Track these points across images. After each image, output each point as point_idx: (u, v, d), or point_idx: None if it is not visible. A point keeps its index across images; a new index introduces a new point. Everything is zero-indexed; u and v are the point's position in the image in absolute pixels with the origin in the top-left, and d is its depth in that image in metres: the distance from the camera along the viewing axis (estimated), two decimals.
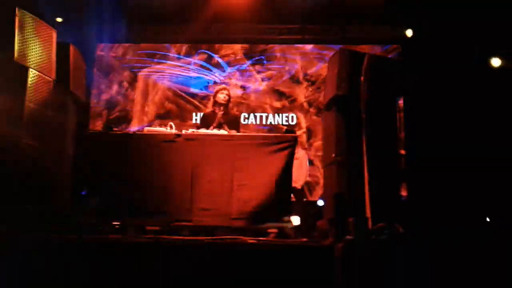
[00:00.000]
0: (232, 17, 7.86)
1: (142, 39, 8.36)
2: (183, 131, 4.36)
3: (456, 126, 6.73)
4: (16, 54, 3.79)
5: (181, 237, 3.54)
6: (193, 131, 4.34)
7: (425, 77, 6.83)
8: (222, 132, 4.39)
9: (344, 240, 2.97)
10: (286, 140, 4.20)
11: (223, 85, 5.49)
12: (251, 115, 8.07)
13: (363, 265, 2.73)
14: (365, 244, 2.96)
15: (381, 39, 7.99)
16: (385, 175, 4.13)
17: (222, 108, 5.05)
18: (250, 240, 3.07)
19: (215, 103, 5.13)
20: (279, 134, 4.25)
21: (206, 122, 5.01)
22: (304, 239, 4.02)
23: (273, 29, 8.24)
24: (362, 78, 4.27)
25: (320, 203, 6.21)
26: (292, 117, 8.00)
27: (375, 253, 2.83)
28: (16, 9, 3.87)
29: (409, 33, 7.38)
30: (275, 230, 4.77)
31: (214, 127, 4.75)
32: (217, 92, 5.17)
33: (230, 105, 5.29)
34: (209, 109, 5.39)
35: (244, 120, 8.04)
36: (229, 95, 5.17)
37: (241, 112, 7.96)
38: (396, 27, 7.50)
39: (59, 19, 7.09)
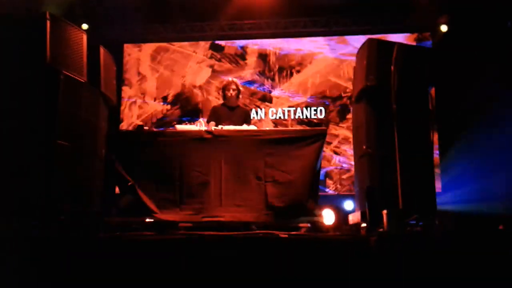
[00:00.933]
0: (256, 13, 7.86)
1: (168, 38, 8.44)
2: (213, 128, 4.39)
3: (489, 115, 6.54)
4: (48, 57, 3.87)
5: (214, 233, 3.56)
6: (222, 128, 4.36)
7: (456, 66, 6.67)
8: (252, 127, 4.39)
9: (378, 233, 2.93)
10: (315, 134, 4.17)
11: (229, 79, 5.32)
12: (279, 109, 8.05)
13: (398, 257, 2.68)
14: (400, 236, 2.91)
15: (410, 27, 7.83)
16: (418, 166, 4.06)
17: (232, 102, 5.00)
18: (283, 234, 3.06)
19: (225, 96, 5.09)
20: (308, 128, 4.25)
21: (215, 116, 4.98)
22: (337, 233, 3.99)
23: (297, 22, 8.19)
24: (392, 68, 4.19)
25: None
26: (321, 110, 7.93)
27: (410, 245, 2.78)
28: (47, 13, 3.95)
29: (443, 28, 7.23)
30: (306, 225, 4.75)
31: (224, 122, 4.71)
32: (226, 85, 5.11)
33: (240, 96, 5.18)
34: (219, 102, 5.29)
35: (272, 115, 8.02)
36: (238, 88, 5.09)
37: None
38: (427, 15, 7.33)
39: (85, 26, 7.24)
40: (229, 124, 4.53)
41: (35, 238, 3.29)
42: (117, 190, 4.38)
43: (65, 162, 3.94)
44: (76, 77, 4.11)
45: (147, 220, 4.18)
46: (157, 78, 8.39)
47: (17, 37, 3.91)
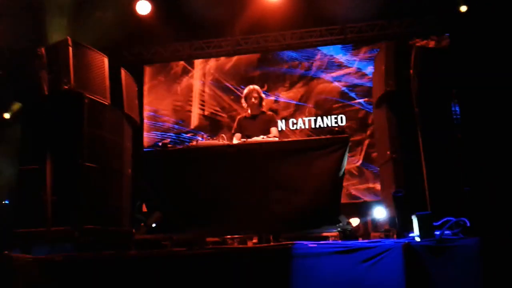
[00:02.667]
0: (270, 25, 7.93)
1: (186, 56, 8.57)
2: (235, 141, 4.41)
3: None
4: (72, 82, 3.98)
5: (243, 246, 3.57)
6: (244, 141, 4.38)
7: (476, 68, 6.58)
8: (274, 139, 4.40)
9: (407, 238, 2.89)
10: (338, 142, 4.15)
11: (251, 86, 5.16)
12: (299, 119, 8.05)
13: (430, 262, 2.65)
14: (430, 240, 2.87)
15: (428, 30, 7.77)
16: (445, 169, 4.01)
17: (256, 110, 5.01)
18: (311, 245, 3.05)
19: (247, 107, 5.08)
20: (330, 136, 4.20)
21: (240, 127, 5.00)
22: (366, 240, 3.95)
23: (313, 32, 8.22)
24: (411, 71, 4.17)
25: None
26: (342, 118, 7.92)
27: (442, 249, 2.74)
28: (69, 39, 4.07)
29: (463, 8, 7.12)
30: (334, 233, 4.72)
31: (251, 132, 4.72)
32: (247, 94, 5.08)
33: (263, 102, 5.14)
34: (243, 113, 5.27)
35: (293, 126, 8.03)
36: (260, 96, 5.07)
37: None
38: (443, 17, 7.29)
39: None
40: (254, 134, 4.54)
41: (68, 260, 3.35)
42: (144, 208, 4.44)
43: (93, 183, 4.02)
44: (100, 100, 4.21)
45: (176, 237, 4.21)
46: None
47: (43, 64, 4.01)
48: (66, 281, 3.19)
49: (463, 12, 7.16)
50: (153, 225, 4.04)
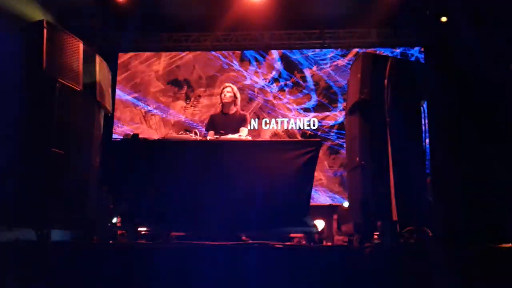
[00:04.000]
0: (251, 24, 7.95)
1: (162, 48, 8.48)
2: (208, 138, 4.40)
3: (481, 130, 6.63)
4: (44, 65, 3.88)
5: (208, 243, 3.56)
6: (217, 137, 4.37)
7: (448, 80, 6.77)
8: (247, 138, 4.41)
9: (372, 244, 2.95)
10: (310, 145, 4.19)
11: (228, 84, 5.18)
12: (272, 120, 8.09)
13: (393, 269, 2.71)
14: (394, 248, 2.94)
15: (403, 41, 7.95)
16: (411, 178, 4.10)
17: (229, 108, 5.01)
18: (277, 245, 3.08)
19: (221, 102, 5.07)
20: (303, 139, 4.27)
21: (213, 124, 4.98)
22: (329, 244, 4.01)
23: (292, 35, 8.28)
24: (385, 81, 4.25)
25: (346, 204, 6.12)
26: (314, 121, 7.99)
27: (404, 257, 2.81)
28: (44, 21, 3.97)
29: (444, 19, 7.29)
30: (299, 235, 4.77)
31: (223, 130, 4.70)
32: (222, 89, 5.08)
33: (237, 101, 5.10)
34: (217, 110, 5.27)
35: (266, 126, 8.06)
36: (234, 93, 5.05)
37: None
38: (419, 29, 7.46)
39: None
40: (226, 132, 4.54)
41: (29, 245, 3.28)
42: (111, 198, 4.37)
43: (60, 170, 3.93)
44: (72, 86, 4.12)
45: (140, 229, 4.17)
46: None
47: (15, 44, 3.91)
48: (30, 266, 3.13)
49: (443, 22, 7.33)
50: (119, 216, 3.99)
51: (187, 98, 8.37)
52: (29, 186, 3.74)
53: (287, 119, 8.04)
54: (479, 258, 2.78)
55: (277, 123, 8.06)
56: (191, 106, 8.32)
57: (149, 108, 8.36)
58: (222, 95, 5.03)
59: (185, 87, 8.40)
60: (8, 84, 3.96)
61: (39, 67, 3.86)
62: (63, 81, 4.01)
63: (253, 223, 4.11)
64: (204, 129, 5.30)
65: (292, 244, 3.79)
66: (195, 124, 8.15)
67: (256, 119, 8.10)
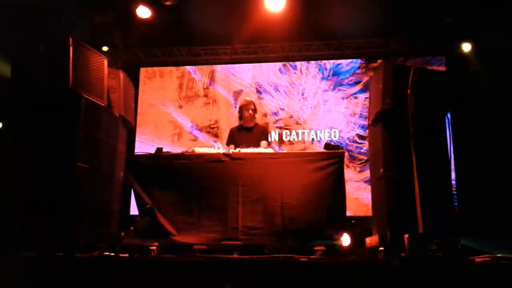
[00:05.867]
0: (270, 36, 7.97)
1: (184, 61, 8.57)
2: (231, 151, 4.41)
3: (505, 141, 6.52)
4: (70, 82, 3.96)
5: (232, 256, 3.56)
6: (239, 150, 4.38)
7: (471, 91, 6.68)
8: (269, 150, 4.41)
9: (399, 258, 2.91)
10: (333, 157, 4.17)
11: (247, 98, 5.26)
12: (293, 131, 8.08)
13: (422, 282, 2.66)
14: (423, 261, 2.89)
15: (425, 51, 7.87)
16: (437, 189, 4.04)
17: (250, 122, 5.01)
18: (302, 258, 3.05)
19: (241, 117, 5.09)
20: (325, 151, 4.22)
21: (233, 138, 4.99)
22: (353, 257, 3.96)
23: (310, 45, 8.28)
24: (408, 91, 4.21)
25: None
26: (335, 132, 7.95)
27: (433, 270, 2.76)
28: (70, 38, 4.05)
29: (466, 47, 7.26)
30: (322, 248, 4.72)
31: (243, 144, 4.70)
32: (242, 106, 5.09)
33: (256, 115, 5.17)
34: (236, 123, 5.29)
35: (286, 137, 8.05)
36: (255, 109, 5.06)
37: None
38: (441, 39, 7.40)
39: (105, 48, 7.37)
40: (247, 146, 4.55)
41: (55, 260, 3.31)
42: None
43: (85, 184, 3.99)
44: (97, 101, 4.19)
45: (165, 242, 4.18)
46: None
47: (41, 62, 3.99)
48: (49, 280, 3.15)
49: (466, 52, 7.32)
50: (143, 229, 4.02)
51: None
52: (55, 201, 3.80)
53: (308, 130, 8.03)
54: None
55: (297, 134, 8.05)
56: None
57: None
58: (245, 111, 5.04)
59: None
60: (31, 98, 4.04)
61: (64, 83, 3.93)
62: (88, 97, 4.08)
63: (278, 236, 4.09)
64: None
65: (316, 257, 3.74)
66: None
67: (277, 130, 8.09)
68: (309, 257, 3.18)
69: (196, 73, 8.54)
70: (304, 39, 8.20)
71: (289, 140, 8.06)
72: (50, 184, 3.82)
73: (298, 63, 8.36)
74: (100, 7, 7.07)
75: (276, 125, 8.13)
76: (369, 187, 4.81)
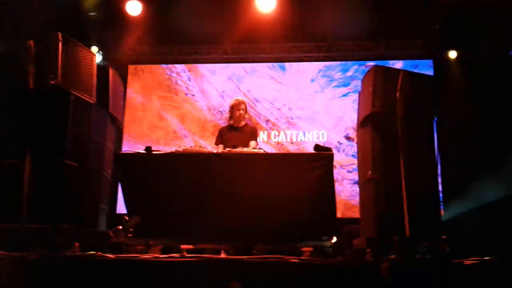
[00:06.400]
0: (260, 37, 7.98)
1: (173, 60, 8.53)
2: (220, 150, 4.40)
3: (491, 145, 6.62)
4: (59, 78, 3.92)
5: (220, 256, 3.56)
6: (229, 150, 4.37)
7: (458, 95, 6.78)
8: (259, 150, 4.41)
9: (389, 260, 2.93)
10: (322, 158, 4.18)
11: (239, 98, 5.22)
12: (281, 132, 8.09)
13: (412, 284, 2.69)
14: (412, 263, 2.92)
15: (413, 54, 7.95)
16: (424, 192, 4.09)
17: (240, 122, 5.01)
18: (292, 259, 3.06)
19: (231, 117, 5.08)
20: (314, 152, 4.23)
21: (222, 138, 4.98)
22: (343, 258, 3.98)
23: (300, 47, 8.31)
24: (397, 94, 4.25)
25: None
26: (323, 134, 7.99)
27: (422, 272, 2.79)
28: (59, 34, 4.01)
29: (452, 54, 7.37)
30: (310, 249, 4.73)
31: (232, 143, 4.69)
32: (233, 106, 5.07)
33: (246, 115, 5.15)
34: (226, 123, 5.28)
35: (275, 138, 8.06)
36: (245, 109, 5.07)
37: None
38: (429, 42, 7.48)
39: (94, 49, 7.30)
40: (237, 145, 4.53)
41: (42, 257, 3.27)
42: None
43: (72, 182, 3.95)
44: (86, 98, 4.15)
45: (152, 241, 4.16)
46: None
47: (30, 57, 3.95)
48: (40, 280, 3.11)
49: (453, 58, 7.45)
50: (131, 228, 3.99)
51: None
52: (41, 198, 3.76)
53: (296, 131, 8.05)
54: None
55: (286, 135, 8.06)
56: None
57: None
58: (236, 111, 5.02)
59: None
60: (18, 94, 3.99)
61: (53, 79, 3.89)
62: (77, 93, 4.04)
63: (265, 236, 4.09)
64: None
65: (307, 258, 3.76)
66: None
67: (265, 132, 8.10)
68: (300, 258, 3.18)
69: (185, 71, 8.50)
70: (295, 40, 8.22)
71: (277, 141, 8.06)
72: (37, 181, 3.78)
73: (287, 64, 8.37)
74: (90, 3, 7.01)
75: (265, 125, 8.13)
76: (357, 188, 4.85)
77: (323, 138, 7.93)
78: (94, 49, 7.32)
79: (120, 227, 4.22)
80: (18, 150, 3.82)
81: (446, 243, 3.11)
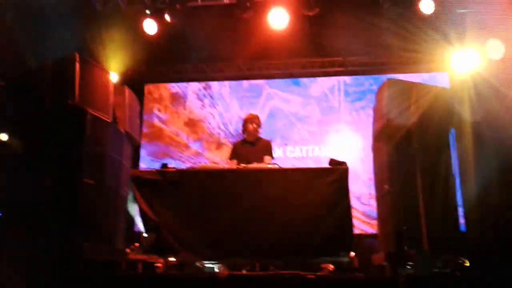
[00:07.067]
0: (274, 54, 8.01)
1: (188, 78, 8.62)
2: (234, 166, 4.40)
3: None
4: (76, 97, 4.00)
5: (239, 273, 3.54)
6: (244, 166, 4.38)
7: (476, 108, 6.67)
8: (274, 165, 4.41)
9: (407, 274, 2.89)
10: (337, 172, 4.16)
11: (252, 113, 5.22)
12: (297, 147, 8.08)
13: None
14: (430, 277, 2.86)
15: (428, 67, 7.89)
16: (442, 206, 4.02)
17: (253, 137, 4.99)
18: (309, 275, 3.03)
19: (245, 131, 5.06)
20: (329, 167, 4.21)
21: (237, 153, 4.97)
22: (360, 274, 3.92)
23: (314, 62, 8.32)
24: (412, 107, 4.23)
25: None
26: (337, 148, 7.94)
27: (440, 287, 2.74)
28: (76, 54, 4.10)
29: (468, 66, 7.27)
30: (328, 265, 4.68)
31: (247, 159, 4.67)
32: (246, 120, 5.06)
33: (260, 130, 5.13)
34: (240, 138, 5.27)
35: (290, 154, 8.05)
36: (259, 123, 5.05)
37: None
38: (444, 55, 7.41)
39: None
40: (251, 160, 4.53)
41: (60, 276, 3.30)
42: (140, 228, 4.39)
43: (90, 200, 3.99)
44: (102, 117, 4.22)
45: (170, 259, 4.16)
46: None
47: (48, 78, 4.04)
48: None
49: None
50: (149, 246, 4.00)
51: None
52: (60, 216, 3.80)
53: (312, 146, 8.03)
54: None
55: (301, 150, 8.04)
56: None
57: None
58: (249, 124, 5.02)
59: None
60: (37, 113, 4.07)
61: (71, 99, 3.97)
62: (93, 112, 4.11)
63: (284, 252, 4.06)
64: None
65: (324, 274, 3.71)
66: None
67: (280, 148, 8.09)
68: (316, 273, 3.15)
69: (200, 90, 8.58)
70: (308, 56, 8.24)
71: (294, 156, 8.05)
72: (55, 199, 3.83)
73: (301, 79, 8.39)
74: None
75: (280, 140, 8.13)
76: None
77: (338, 153, 7.89)
78: (111, 68, 7.42)
79: (137, 244, 4.25)
80: (37, 169, 3.88)
81: (465, 257, 3.05)
